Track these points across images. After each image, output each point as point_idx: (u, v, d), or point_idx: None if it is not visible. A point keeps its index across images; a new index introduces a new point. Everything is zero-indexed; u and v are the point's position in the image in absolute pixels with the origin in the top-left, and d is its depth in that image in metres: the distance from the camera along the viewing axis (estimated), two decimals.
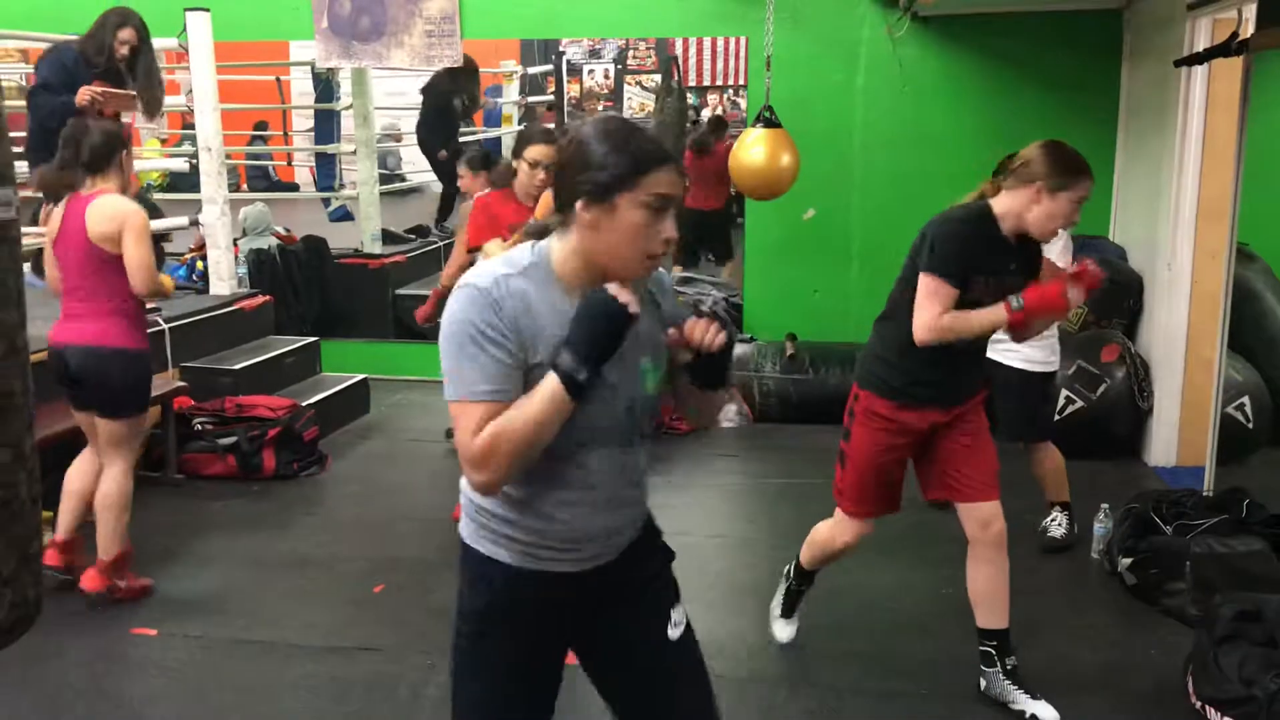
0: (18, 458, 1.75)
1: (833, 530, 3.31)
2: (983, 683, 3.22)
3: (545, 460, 1.76)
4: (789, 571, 3.54)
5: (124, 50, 4.86)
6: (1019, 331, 3.03)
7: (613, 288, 1.70)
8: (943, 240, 2.97)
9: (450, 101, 9.49)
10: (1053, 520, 4.41)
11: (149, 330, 5.03)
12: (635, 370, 1.82)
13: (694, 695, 2.00)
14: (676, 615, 1.98)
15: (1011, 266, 2.99)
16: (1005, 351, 4.21)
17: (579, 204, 1.72)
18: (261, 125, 12.01)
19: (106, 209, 3.67)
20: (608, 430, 1.81)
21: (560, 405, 1.70)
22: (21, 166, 4.73)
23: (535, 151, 4.11)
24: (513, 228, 3.96)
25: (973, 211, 3.03)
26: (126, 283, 3.70)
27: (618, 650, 1.98)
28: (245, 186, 11.01)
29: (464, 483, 1.88)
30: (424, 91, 9.77)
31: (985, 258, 2.96)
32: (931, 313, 2.91)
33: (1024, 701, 3.15)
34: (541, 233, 1.83)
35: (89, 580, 3.81)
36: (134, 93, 4.78)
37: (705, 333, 1.77)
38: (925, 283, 2.94)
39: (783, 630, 3.58)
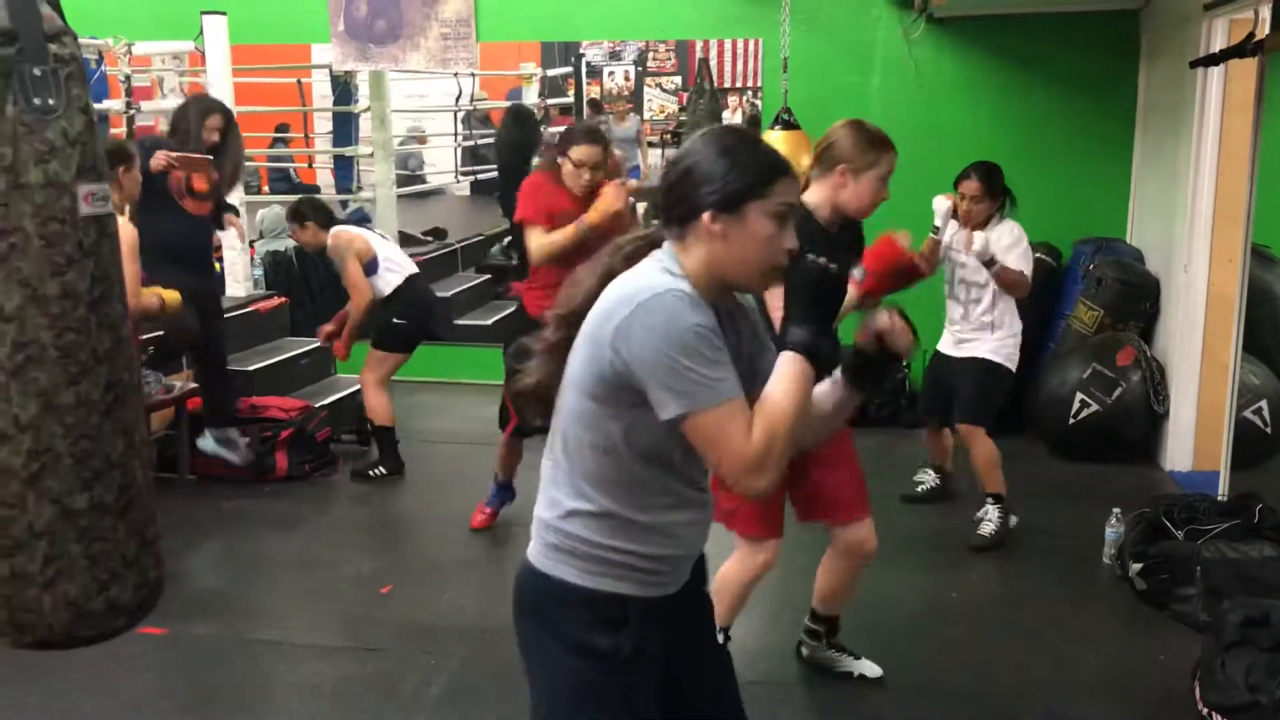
0: (130, 445, 1.78)
1: (743, 560, 3.10)
2: (804, 650, 3.37)
3: (675, 481, 1.76)
4: None
5: (214, 137, 4.91)
6: (873, 296, 3.03)
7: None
8: None
9: (524, 157, 9.48)
10: (985, 516, 4.38)
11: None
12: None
13: (734, 699, 2.01)
14: (719, 623, 1.99)
15: (841, 254, 2.96)
16: (972, 345, 4.37)
17: (706, 215, 1.71)
18: (283, 127, 12.06)
19: None
20: None
21: (809, 382, 1.68)
22: None
23: (580, 152, 4.04)
24: (552, 216, 3.99)
25: None
26: None
27: (680, 664, 1.94)
28: (266, 189, 11.08)
29: (552, 515, 1.80)
30: (499, 152, 9.84)
31: (816, 250, 2.91)
32: None
33: (849, 664, 3.32)
34: (654, 242, 1.81)
35: None
36: (209, 157, 4.83)
37: (900, 330, 1.77)
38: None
39: None
